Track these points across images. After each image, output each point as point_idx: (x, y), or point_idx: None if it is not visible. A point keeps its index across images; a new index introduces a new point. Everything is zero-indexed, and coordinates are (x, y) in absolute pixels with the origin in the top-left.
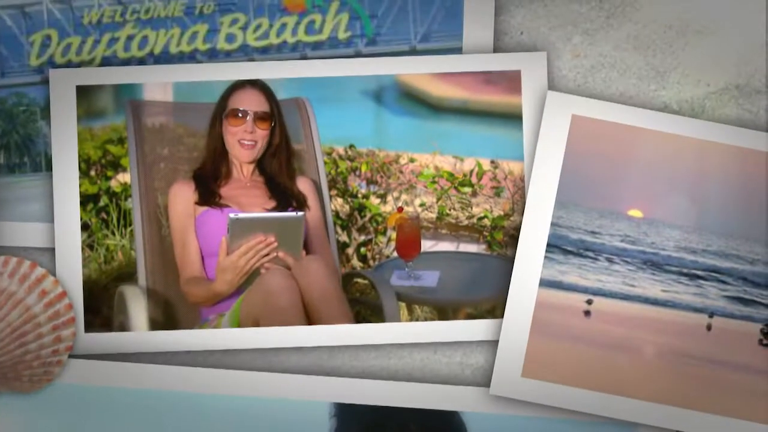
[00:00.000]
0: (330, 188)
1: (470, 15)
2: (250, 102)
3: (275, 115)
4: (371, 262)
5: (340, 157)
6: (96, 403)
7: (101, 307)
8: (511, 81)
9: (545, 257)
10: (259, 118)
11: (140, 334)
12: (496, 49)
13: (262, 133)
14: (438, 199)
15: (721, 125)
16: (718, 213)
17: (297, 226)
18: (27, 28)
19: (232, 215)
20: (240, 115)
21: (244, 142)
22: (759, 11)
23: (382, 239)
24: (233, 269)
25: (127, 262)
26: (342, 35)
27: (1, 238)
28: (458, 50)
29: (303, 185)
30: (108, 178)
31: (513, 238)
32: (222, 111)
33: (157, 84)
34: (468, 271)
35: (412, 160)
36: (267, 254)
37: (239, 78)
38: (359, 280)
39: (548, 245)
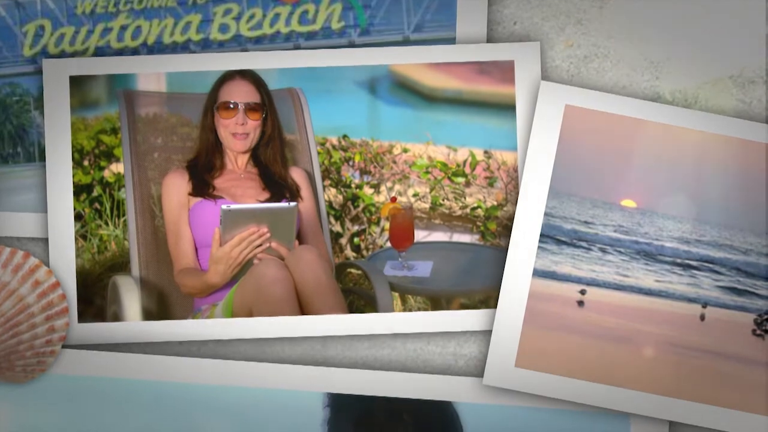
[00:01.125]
0: (323, 178)
1: (463, 5)
2: (240, 93)
3: (266, 105)
4: (365, 252)
5: (334, 147)
6: (89, 393)
7: (94, 297)
8: (504, 71)
9: (538, 247)
10: (250, 108)
11: (133, 324)
12: (490, 39)
13: (253, 124)
14: (431, 189)
15: (715, 115)
16: (712, 203)
17: (290, 216)
18: (20, 18)
19: (224, 206)
20: (231, 106)
21: (237, 134)
22: (753, 1)
23: (376, 229)
24: (226, 260)
25: (121, 253)
26: (335, 25)
27: None
28: (451, 40)
29: (296, 175)
30: (101, 168)
31: (506, 228)
32: (213, 103)
33: (151, 74)
34: (461, 262)
35: (405, 150)
36: (260, 245)
37: (232, 68)
38: (352, 270)
39: (541, 235)
